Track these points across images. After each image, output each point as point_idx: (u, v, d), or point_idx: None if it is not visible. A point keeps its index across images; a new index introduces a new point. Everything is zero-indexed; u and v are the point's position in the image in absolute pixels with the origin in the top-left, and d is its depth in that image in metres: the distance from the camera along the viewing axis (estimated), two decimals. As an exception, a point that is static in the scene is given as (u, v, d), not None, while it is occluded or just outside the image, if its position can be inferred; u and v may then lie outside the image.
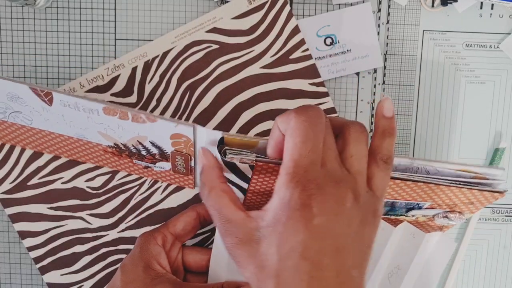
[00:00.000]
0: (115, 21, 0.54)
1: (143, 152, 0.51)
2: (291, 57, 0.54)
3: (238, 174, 0.46)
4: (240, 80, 0.54)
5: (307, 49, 0.54)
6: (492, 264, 0.57)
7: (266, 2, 0.53)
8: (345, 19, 0.54)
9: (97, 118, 0.48)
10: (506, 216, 0.56)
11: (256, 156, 0.40)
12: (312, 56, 0.54)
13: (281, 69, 0.54)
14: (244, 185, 0.47)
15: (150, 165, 0.53)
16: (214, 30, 0.53)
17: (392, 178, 0.42)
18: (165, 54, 0.54)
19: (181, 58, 0.54)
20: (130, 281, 0.47)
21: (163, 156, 0.51)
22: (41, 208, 0.55)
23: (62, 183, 0.55)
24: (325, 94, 0.54)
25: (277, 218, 0.36)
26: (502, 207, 0.56)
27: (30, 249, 0.56)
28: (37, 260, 0.56)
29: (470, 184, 0.43)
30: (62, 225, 0.56)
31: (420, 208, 0.48)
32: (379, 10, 0.54)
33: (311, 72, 0.54)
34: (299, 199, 0.36)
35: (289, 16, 0.53)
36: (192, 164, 0.51)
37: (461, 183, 0.43)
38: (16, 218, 0.55)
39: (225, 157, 0.40)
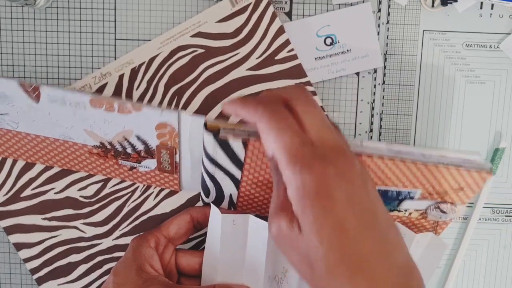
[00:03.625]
0: (115, 21, 0.54)
1: (129, 150, 0.52)
2: (276, 58, 0.54)
3: (232, 159, 0.46)
4: (227, 83, 0.54)
5: (292, 49, 0.54)
6: (492, 264, 0.57)
7: (249, 4, 0.53)
8: (345, 19, 0.54)
9: (83, 113, 0.49)
10: (506, 216, 0.56)
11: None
12: (313, 56, 0.54)
13: (267, 70, 0.54)
14: (238, 175, 0.48)
15: (135, 165, 0.53)
16: (199, 35, 0.54)
17: (381, 157, 0.44)
18: (151, 60, 0.54)
19: (167, 64, 0.54)
20: (122, 283, 0.47)
21: (148, 152, 0.51)
22: (35, 219, 0.55)
23: (55, 193, 0.55)
24: (312, 94, 0.54)
25: (301, 210, 0.36)
26: (502, 207, 0.56)
27: (26, 260, 0.56)
28: (33, 271, 0.56)
29: (457, 164, 0.44)
30: (57, 235, 0.56)
31: (412, 198, 0.48)
32: (379, 10, 0.54)
33: (298, 72, 0.54)
34: (313, 181, 0.36)
35: (273, 17, 0.53)
36: (177, 160, 0.51)
37: (448, 162, 0.44)
38: (11, 230, 0.56)
39: (218, 136, 0.42)
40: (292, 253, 0.38)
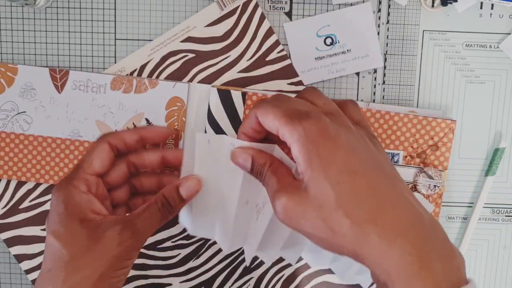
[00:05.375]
0: (115, 21, 0.54)
1: None
2: (267, 59, 0.54)
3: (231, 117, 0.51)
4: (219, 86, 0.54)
5: (283, 50, 0.54)
6: (492, 264, 0.57)
7: (237, 7, 0.53)
8: (345, 19, 0.54)
9: (101, 99, 0.53)
10: (506, 216, 0.56)
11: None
12: (313, 56, 0.54)
13: (259, 72, 0.54)
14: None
15: None
16: (189, 39, 0.54)
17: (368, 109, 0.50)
18: (142, 67, 0.54)
19: (159, 70, 0.54)
20: (72, 244, 0.42)
21: None
22: (35, 231, 0.56)
23: None
24: None
25: (307, 157, 0.37)
26: (502, 207, 0.56)
27: (28, 271, 0.56)
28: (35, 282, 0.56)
29: (425, 115, 0.53)
30: None
31: (396, 163, 0.52)
32: (379, 10, 0.54)
33: (289, 72, 0.54)
34: (314, 127, 0.37)
35: (262, 18, 0.53)
36: (181, 146, 0.53)
37: (418, 114, 0.53)
38: (11, 242, 0.56)
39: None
40: (306, 224, 0.38)
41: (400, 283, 0.35)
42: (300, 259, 0.56)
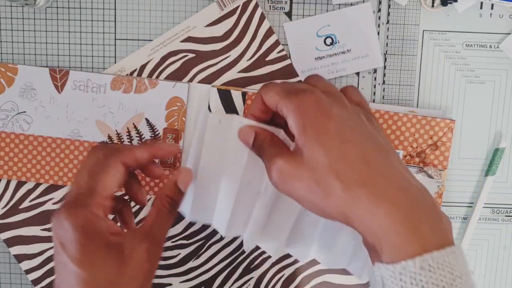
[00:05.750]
0: (115, 21, 0.54)
1: (135, 141, 0.53)
2: (267, 59, 0.54)
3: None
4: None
5: (283, 50, 0.54)
6: (492, 264, 0.57)
7: (237, 7, 0.53)
8: (345, 19, 0.54)
9: (102, 99, 0.53)
10: (506, 216, 0.56)
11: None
12: (313, 56, 0.54)
13: (259, 72, 0.54)
14: None
15: None
16: (189, 39, 0.54)
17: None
18: (142, 67, 0.54)
19: (159, 70, 0.54)
20: (102, 271, 0.40)
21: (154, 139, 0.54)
22: (35, 231, 0.56)
23: (53, 203, 0.55)
24: None
25: (302, 125, 0.39)
26: (502, 207, 0.56)
27: (28, 271, 0.56)
28: (35, 282, 0.56)
29: (424, 115, 0.53)
30: None
31: None
32: (379, 10, 0.54)
33: (289, 72, 0.54)
34: (309, 99, 0.40)
35: (262, 18, 0.53)
36: (181, 146, 0.53)
37: (417, 114, 0.53)
38: (11, 242, 0.56)
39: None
40: (300, 186, 0.39)
41: (387, 243, 0.37)
42: (314, 261, 0.55)
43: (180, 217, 0.51)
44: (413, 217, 0.37)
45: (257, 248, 0.56)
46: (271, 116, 0.46)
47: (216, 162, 0.47)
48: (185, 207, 0.49)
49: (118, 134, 0.54)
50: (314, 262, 0.56)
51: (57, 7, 0.54)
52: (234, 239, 0.56)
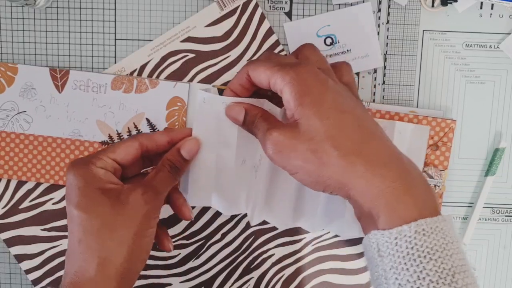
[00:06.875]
0: (115, 21, 0.54)
1: None
2: None
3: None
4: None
5: (283, 50, 0.54)
6: (492, 264, 0.57)
7: (237, 7, 0.53)
8: (345, 19, 0.54)
9: (102, 99, 0.53)
10: (506, 216, 0.56)
11: None
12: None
13: None
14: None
15: None
16: (189, 39, 0.54)
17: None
18: (142, 67, 0.54)
19: (159, 70, 0.54)
20: (99, 212, 0.42)
21: None
22: (35, 231, 0.56)
23: (53, 203, 0.55)
24: None
25: (299, 96, 0.40)
26: (502, 207, 0.56)
27: (28, 271, 0.56)
28: (35, 282, 0.56)
29: (425, 115, 0.53)
30: (57, 245, 0.56)
31: None
32: (379, 10, 0.54)
33: None
34: (304, 71, 0.41)
35: (262, 18, 0.53)
36: None
37: (418, 114, 0.53)
38: (11, 242, 0.56)
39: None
40: (296, 156, 0.40)
41: (384, 208, 0.38)
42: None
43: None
44: (408, 183, 0.39)
45: (257, 248, 0.56)
46: (251, 95, 0.46)
47: (207, 143, 0.48)
48: (184, 191, 0.51)
49: (118, 134, 0.54)
50: (314, 262, 0.56)
51: (57, 7, 0.54)
52: (234, 239, 0.56)
